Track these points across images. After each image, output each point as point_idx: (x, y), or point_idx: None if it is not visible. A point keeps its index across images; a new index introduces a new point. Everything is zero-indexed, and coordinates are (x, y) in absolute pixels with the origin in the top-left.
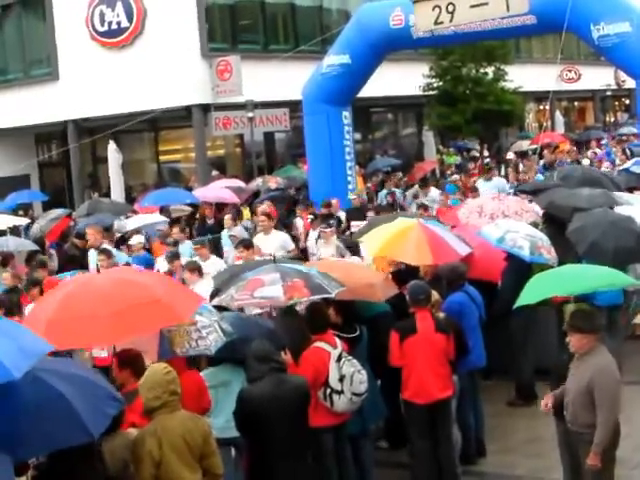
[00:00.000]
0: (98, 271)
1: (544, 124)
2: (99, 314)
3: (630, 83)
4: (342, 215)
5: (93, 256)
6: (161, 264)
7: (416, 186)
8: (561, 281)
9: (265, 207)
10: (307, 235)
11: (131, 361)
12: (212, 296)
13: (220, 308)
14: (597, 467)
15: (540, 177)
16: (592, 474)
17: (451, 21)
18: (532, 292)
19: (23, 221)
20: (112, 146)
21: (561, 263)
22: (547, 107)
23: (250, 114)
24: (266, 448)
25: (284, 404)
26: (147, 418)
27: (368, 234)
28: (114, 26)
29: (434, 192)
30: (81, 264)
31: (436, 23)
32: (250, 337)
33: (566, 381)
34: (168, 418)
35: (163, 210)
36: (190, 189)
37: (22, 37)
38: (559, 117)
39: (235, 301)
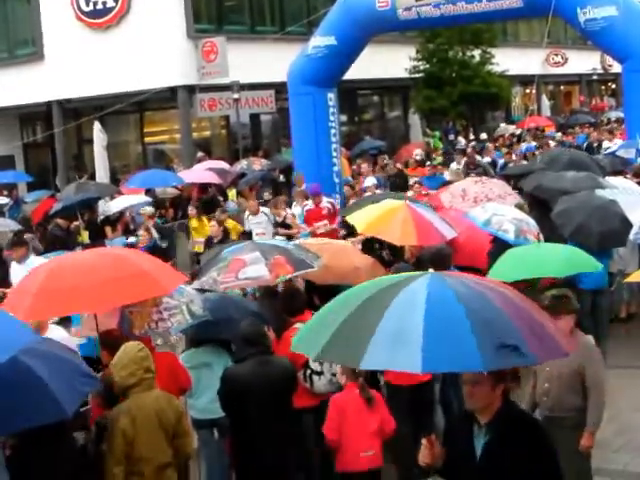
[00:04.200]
0: None
1: (530, 108)
2: (85, 284)
3: (617, 67)
4: None
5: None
6: None
7: None
8: (540, 261)
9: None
10: None
11: (109, 343)
12: (193, 277)
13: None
14: (591, 448)
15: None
16: (576, 457)
17: None
18: (509, 269)
19: (5, 200)
20: (97, 127)
21: None
22: (533, 91)
23: (235, 95)
24: (250, 428)
25: (268, 384)
26: (122, 397)
27: (355, 213)
28: (99, 6)
29: None
30: (65, 244)
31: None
32: (232, 318)
33: (539, 369)
34: (143, 397)
35: (148, 192)
36: (171, 169)
37: (7, 17)
38: (545, 101)
39: (220, 284)
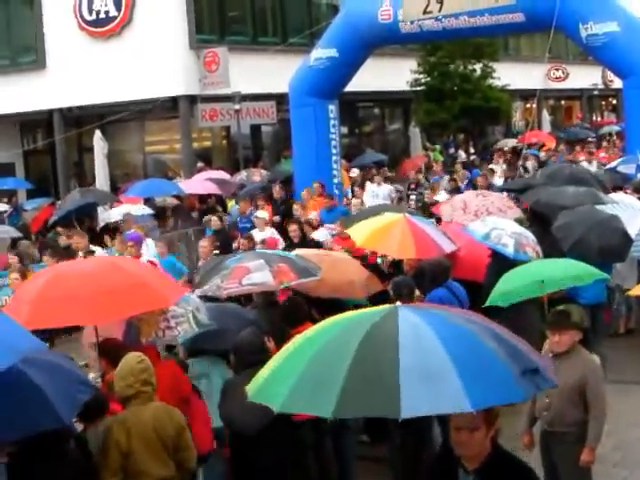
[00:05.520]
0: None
1: (530, 122)
2: (84, 294)
3: (617, 83)
4: None
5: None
6: None
7: None
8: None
9: None
10: None
11: (108, 351)
12: (194, 287)
13: (206, 298)
14: (592, 463)
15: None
16: (577, 472)
17: (440, 11)
18: (503, 293)
19: (5, 207)
20: (98, 135)
21: None
22: (534, 105)
23: (237, 106)
24: (248, 439)
25: None
26: (122, 408)
27: (354, 226)
28: (102, 15)
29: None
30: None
31: (425, 12)
32: (230, 329)
33: None
34: (141, 409)
35: (148, 201)
36: (172, 179)
37: (9, 25)
38: (546, 116)
39: (223, 290)
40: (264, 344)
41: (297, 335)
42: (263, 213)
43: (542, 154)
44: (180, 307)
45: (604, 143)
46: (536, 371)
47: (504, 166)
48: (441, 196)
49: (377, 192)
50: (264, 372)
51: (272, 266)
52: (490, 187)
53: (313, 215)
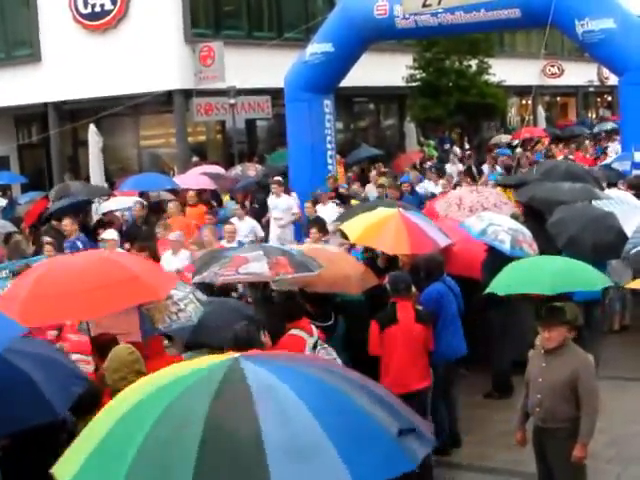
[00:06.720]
0: None
1: (525, 119)
2: (75, 290)
3: (613, 80)
4: None
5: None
6: None
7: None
8: (534, 277)
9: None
10: None
11: (100, 346)
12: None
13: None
14: (584, 459)
15: None
16: (570, 469)
17: (439, 3)
18: (504, 282)
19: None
20: (92, 129)
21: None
22: (529, 102)
23: (232, 101)
24: None
25: None
26: None
27: (348, 222)
28: (97, 9)
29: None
30: (59, 246)
31: (424, 5)
32: (228, 323)
33: (531, 379)
34: None
35: (142, 195)
36: (167, 174)
37: (4, 18)
38: (541, 112)
39: (219, 277)
40: (259, 338)
41: (294, 329)
42: (111, 233)
43: (519, 150)
44: (179, 290)
45: (586, 142)
46: (413, 430)
47: (459, 167)
48: (326, 208)
49: (276, 204)
50: (76, 452)
51: (270, 257)
52: (412, 192)
53: (174, 236)
